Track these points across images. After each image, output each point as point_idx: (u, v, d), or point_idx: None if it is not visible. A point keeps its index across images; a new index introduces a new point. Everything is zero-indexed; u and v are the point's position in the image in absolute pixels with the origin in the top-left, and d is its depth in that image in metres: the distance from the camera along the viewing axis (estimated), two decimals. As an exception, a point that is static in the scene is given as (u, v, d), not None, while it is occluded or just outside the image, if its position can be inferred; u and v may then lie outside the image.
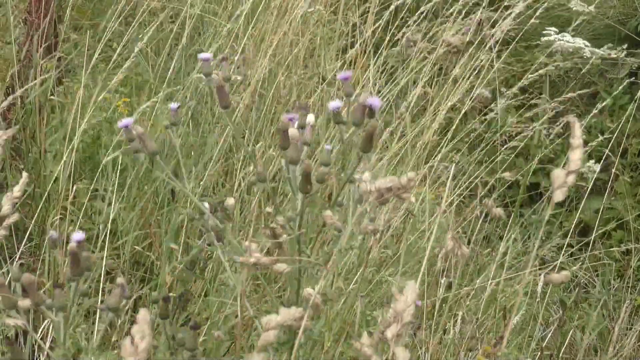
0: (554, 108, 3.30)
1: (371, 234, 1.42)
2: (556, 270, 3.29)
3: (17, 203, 1.48)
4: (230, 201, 1.53)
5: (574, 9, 3.51)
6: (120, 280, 1.38)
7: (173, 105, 1.55)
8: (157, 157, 1.48)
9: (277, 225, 1.43)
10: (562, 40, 2.91)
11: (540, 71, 3.08)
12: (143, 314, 1.04)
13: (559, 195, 1.15)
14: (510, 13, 3.00)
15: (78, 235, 1.35)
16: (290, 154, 1.44)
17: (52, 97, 3.04)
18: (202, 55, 1.53)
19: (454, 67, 3.25)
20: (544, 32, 3.01)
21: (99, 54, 2.99)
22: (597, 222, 3.31)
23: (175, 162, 1.56)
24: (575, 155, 1.16)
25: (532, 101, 3.51)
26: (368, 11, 3.63)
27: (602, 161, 3.21)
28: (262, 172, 1.47)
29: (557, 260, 3.34)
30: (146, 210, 2.70)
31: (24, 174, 1.53)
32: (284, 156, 1.44)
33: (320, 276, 1.39)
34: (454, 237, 1.26)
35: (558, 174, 1.16)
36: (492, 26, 3.50)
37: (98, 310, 1.51)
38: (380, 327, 1.16)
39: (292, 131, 1.44)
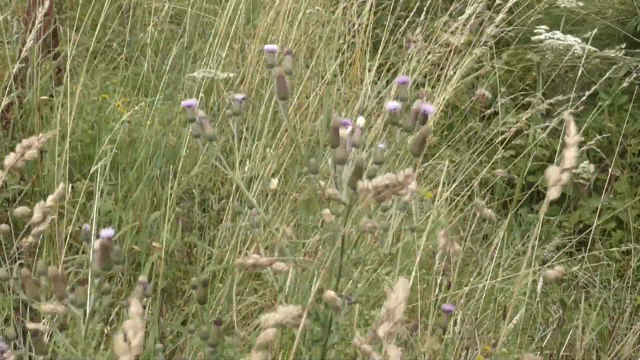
0: (549, 107, 3.30)
1: (369, 232, 1.43)
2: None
3: (48, 212, 1.51)
4: (273, 184, 1.56)
5: (561, 6, 3.51)
6: (142, 278, 1.40)
7: (238, 96, 1.59)
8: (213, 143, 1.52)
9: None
10: (552, 38, 2.91)
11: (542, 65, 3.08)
12: (135, 307, 0.97)
13: (553, 193, 1.15)
14: (501, 8, 3.00)
15: (108, 231, 1.36)
16: (339, 153, 1.46)
17: (50, 96, 3.04)
18: (267, 47, 1.56)
19: (454, 66, 3.25)
20: (535, 30, 3.02)
21: (99, 54, 2.99)
22: (595, 221, 3.32)
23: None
24: (570, 153, 1.16)
25: (527, 99, 3.51)
26: (369, 11, 3.64)
27: (599, 161, 3.21)
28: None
29: (557, 260, 3.34)
30: (144, 210, 2.71)
31: (61, 185, 1.55)
32: (332, 155, 1.46)
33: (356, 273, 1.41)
34: (445, 235, 1.26)
35: (552, 171, 1.16)
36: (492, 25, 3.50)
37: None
38: (374, 325, 1.16)
39: (342, 131, 1.46)
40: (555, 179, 1.15)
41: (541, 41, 2.89)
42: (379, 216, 1.49)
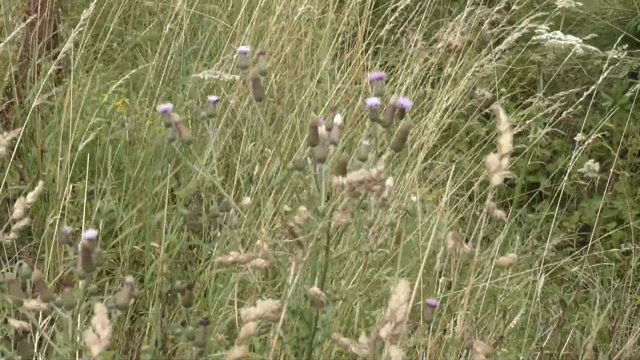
0: (550, 107, 3.30)
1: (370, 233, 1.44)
2: (554, 271, 3.29)
3: (29, 208, 1.52)
4: (246, 200, 1.57)
5: (560, 5, 3.51)
6: (129, 279, 1.40)
7: (212, 98, 1.59)
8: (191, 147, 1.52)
9: (294, 224, 1.44)
10: (554, 38, 2.91)
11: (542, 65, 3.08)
12: (100, 308, 1.14)
13: (496, 179, 1.20)
14: (494, 8, 3.01)
15: (90, 233, 1.36)
16: (318, 152, 1.46)
17: (51, 97, 3.04)
18: (240, 49, 1.57)
19: (454, 66, 3.25)
20: (536, 31, 3.02)
21: (99, 54, 2.99)
22: (596, 221, 3.31)
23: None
24: (505, 140, 1.21)
25: (527, 100, 3.52)
26: (370, 11, 3.64)
27: (599, 161, 3.21)
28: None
29: (557, 260, 3.34)
30: (145, 210, 2.71)
31: (40, 183, 1.56)
32: (311, 153, 1.46)
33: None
34: (454, 236, 1.27)
35: (492, 159, 1.21)
36: (492, 25, 3.51)
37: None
38: (377, 326, 1.17)
39: (321, 130, 1.47)
40: (495, 166, 1.19)
41: (543, 41, 2.90)
42: (357, 212, 1.49)
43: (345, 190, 1.26)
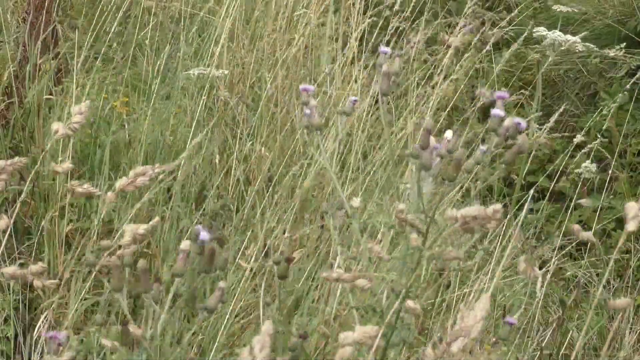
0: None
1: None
2: (554, 270, 3.28)
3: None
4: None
5: (557, 10, 3.52)
6: (222, 284, 1.41)
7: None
8: None
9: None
10: (554, 35, 2.91)
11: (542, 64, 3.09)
12: (267, 326, 1.09)
13: (632, 225, 1.20)
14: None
15: (205, 234, 1.39)
16: (425, 158, 1.46)
17: (50, 96, 3.04)
18: (382, 49, 1.59)
19: (454, 67, 3.25)
20: (535, 30, 3.02)
21: (98, 54, 3.00)
22: (598, 222, 3.31)
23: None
24: None
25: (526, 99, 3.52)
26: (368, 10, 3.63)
27: (599, 161, 3.21)
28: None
29: (557, 260, 3.34)
30: (144, 210, 2.71)
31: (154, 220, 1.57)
32: (417, 159, 1.45)
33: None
34: (526, 260, 1.27)
35: (632, 206, 1.20)
36: (493, 26, 3.50)
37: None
38: (447, 338, 1.17)
39: (432, 138, 1.47)
40: (634, 213, 1.19)
41: (543, 39, 2.90)
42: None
43: (458, 223, 1.26)
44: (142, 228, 1.50)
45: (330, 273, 1.40)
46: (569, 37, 2.92)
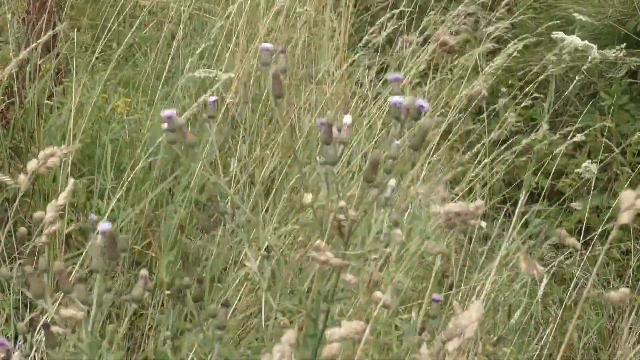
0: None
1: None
2: (555, 270, 3.28)
3: (60, 211, 1.52)
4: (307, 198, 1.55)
5: (577, 18, 3.51)
6: (143, 272, 1.41)
7: (211, 98, 1.58)
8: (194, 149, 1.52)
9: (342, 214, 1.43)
10: (570, 37, 2.91)
11: (553, 70, 3.09)
12: (289, 335, 1.11)
13: (625, 217, 1.19)
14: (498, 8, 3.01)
15: (106, 225, 1.39)
16: (330, 151, 1.46)
17: (50, 96, 3.04)
18: (263, 45, 1.57)
19: (451, 66, 3.25)
20: (552, 32, 3.02)
21: (99, 54, 2.99)
22: (598, 222, 3.31)
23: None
24: None
25: (527, 102, 3.52)
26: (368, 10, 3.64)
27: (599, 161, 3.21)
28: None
29: (557, 260, 3.34)
30: (144, 210, 2.71)
31: (71, 180, 1.56)
32: (323, 153, 1.46)
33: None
34: (525, 258, 1.27)
35: (628, 195, 1.22)
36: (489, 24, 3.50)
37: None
38: (443, 337, 1.18)
39: (334, 129, 1.47)
40: (629, 203, 1.19)
41: (561, 40, 2.90)
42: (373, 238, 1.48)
43: (442, 219, 1.26)
44: (61, 199, 1.50)
45: (318, 254, 1.38)
46: (587, 42, 2.92)
